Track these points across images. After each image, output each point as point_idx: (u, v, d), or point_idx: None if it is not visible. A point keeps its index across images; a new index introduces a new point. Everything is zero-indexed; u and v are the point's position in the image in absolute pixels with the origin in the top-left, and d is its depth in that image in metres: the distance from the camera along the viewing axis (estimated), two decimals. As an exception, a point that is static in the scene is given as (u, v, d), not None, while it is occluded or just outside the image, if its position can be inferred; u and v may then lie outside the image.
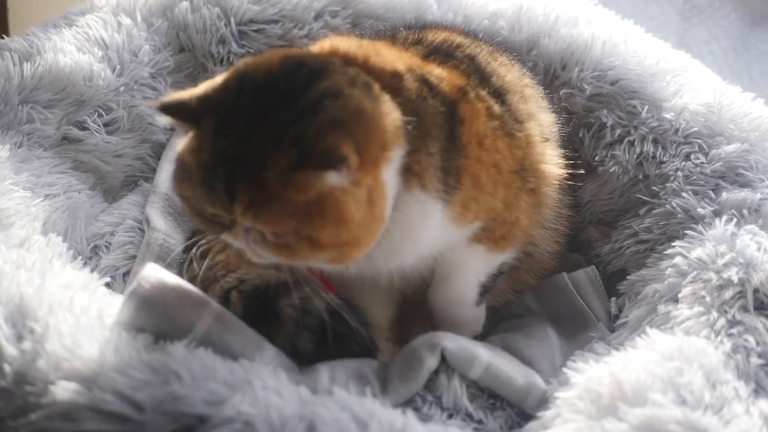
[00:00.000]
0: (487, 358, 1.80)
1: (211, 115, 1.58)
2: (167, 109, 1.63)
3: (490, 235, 1.89)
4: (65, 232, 2.11)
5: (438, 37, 2.02)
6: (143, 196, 2.39)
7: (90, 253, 2.18)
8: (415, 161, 1.68)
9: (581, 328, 2.07)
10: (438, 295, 2.00)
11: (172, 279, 1.70)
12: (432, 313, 2.04)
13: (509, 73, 2.03)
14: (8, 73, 2.25)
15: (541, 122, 2.01)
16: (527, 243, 2.02)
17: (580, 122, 2.33)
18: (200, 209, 1.61)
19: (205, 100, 1.61)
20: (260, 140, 1.52)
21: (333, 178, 1.51)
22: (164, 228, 2.20)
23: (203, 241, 1.88)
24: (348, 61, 1.71)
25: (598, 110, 2.34)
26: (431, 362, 1.77)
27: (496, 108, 1.83)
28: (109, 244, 2.23)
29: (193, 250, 1.95)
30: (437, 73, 1.80)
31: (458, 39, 2.03)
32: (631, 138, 2.26)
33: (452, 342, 1.80)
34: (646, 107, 2.27)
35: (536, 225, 1.99)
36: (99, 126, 2.39)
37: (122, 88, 2.45)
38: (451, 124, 1.73)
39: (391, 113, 1.63)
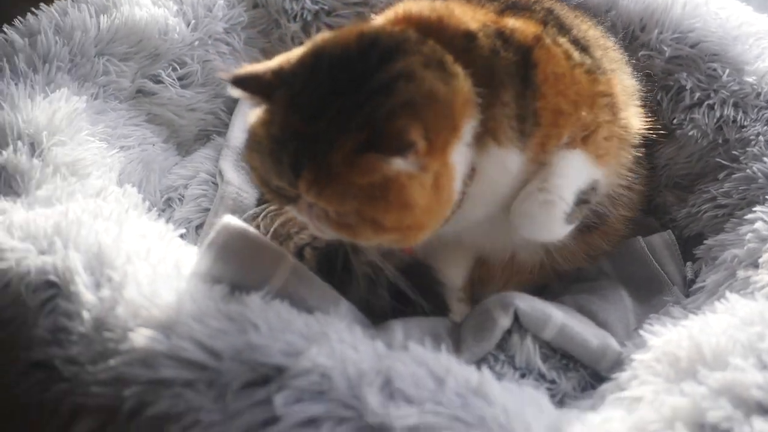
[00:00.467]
0: (561, 319, 1.78)
1: (284, 90, 1.57)
2: (240, 82, 1.62)
3: (588, 141, 1.81)
4: (139, 183, 2.13)
5: None
6: (216, 150, 2.40)
7: (163, 206, 2.20)
8: (489, 117, 1.66)
9: (656, 292, 2.04)
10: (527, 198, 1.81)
11: (249, 231, 1.71)
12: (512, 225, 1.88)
13: (591, 30, 1.99)
14: (85, 25, 2.26)
15: (624, 83, 1.96)
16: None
17: (658, 85, 2.29)
18: (267, 180, 1.62)
19: (279, 74, 1.60)
20: (330, 120, 1.51)
21: (399, 164, 1.50)
22: (238, 182, 2.21)
23: None
24: (421, 26, 1.69)
25: (677, 73, 2.29)
26: (504, 321, 1.76)
27: (576, 54, 1.79)
28: (182, 196, 2.25)
29: (267, 205, 1.96)
30: (511, 24, 1.77)
31: None
32: (710, 101, 2.22)
33: (525, 302, 1.79)
34: (727, 70, 2.22)
35: (620, 166, 1.93)
36: (173, 80, 2.41)
37: (196, 43, 2.46)
38: (525, 70, 1.71)
39: (463, 88, 1.61)
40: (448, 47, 1.66)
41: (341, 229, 1.59)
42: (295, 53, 1.65)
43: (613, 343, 1.80)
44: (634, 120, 1.94)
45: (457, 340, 1.77)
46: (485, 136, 1.67)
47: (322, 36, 1.67)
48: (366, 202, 1.52)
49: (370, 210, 1.53)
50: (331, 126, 1.51)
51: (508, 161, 1.72)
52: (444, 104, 1.57)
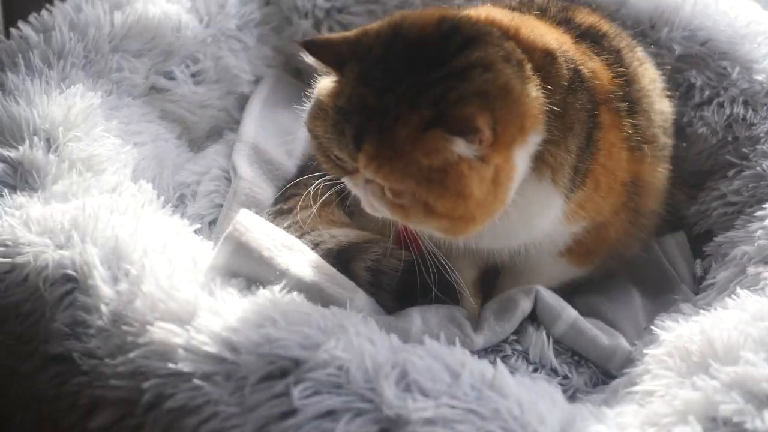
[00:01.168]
0: (574, 313, 1.82)
1: (357, 62, 1.59)
2: (313, 47, 1.63)
3: (578, 248, 1.91)
4: (153, 179, 2.13)
5: (586, 20, 1.98)
6: (228, 146, 2.41)
7: (177, 201, 2.21)
8: (551, 153, 1.67)
9: (666, 290, 2.06)
10: (506, 284, 1.98)
11: (267, 225, 1.73)
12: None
13: (645, 75, 2.00)
14: (99, 22, 2.27)
15: (659, 144, 1.99)
16: (612, 254, 2.02)
17: (668, 83, 2.29)
18: (328, 150, 1.63)
19: (354, 45, 1.61)
20: (400, 96, 1.52)
21: (462, 148, 1.51)
22: (251, 177, 2.22)
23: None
24: (503, 31, 1.69)
25: (686, 71, 2.31)
26: (526, 304, 1.81)
27: (628, 124, 1.82)
28: (195, 192, 2.26)
29: (279, 205, 1.99)
30: (591, 66, 1.78)
31: (604, 27, 1.99)
32: (720, 99, 2.23)
33: (546, 291, 1.84)
34: (737, 69, 2.24)
35: (627, 239, 2.01)
36: (186, 76, 2.42)
37: (209, 40, 2.47)
38: (591, 125, 1.73)
39: (537, 97, 1.62)
40: (527, 57, 1.67)
41: (394, 209, 1.60)
42: (373, 27, 1.66)
43: (624, 342, 1.83)
44: (659, 180, 1.99)
45: (476, 324, 1.79)
46: (543, 165, 1.68)
47: (402, 13, 1.67)
48: (423, 183, 1.52)
49: (426, 193, 1.53)
50: (401, 102, 1.52)
51: (553, 200, 1.74)
52: (516, 101, 1.58)
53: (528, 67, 1.64)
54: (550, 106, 1.63)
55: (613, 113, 1.79)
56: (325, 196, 1.81)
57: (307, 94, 1.75)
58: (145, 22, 2.34)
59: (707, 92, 2.26)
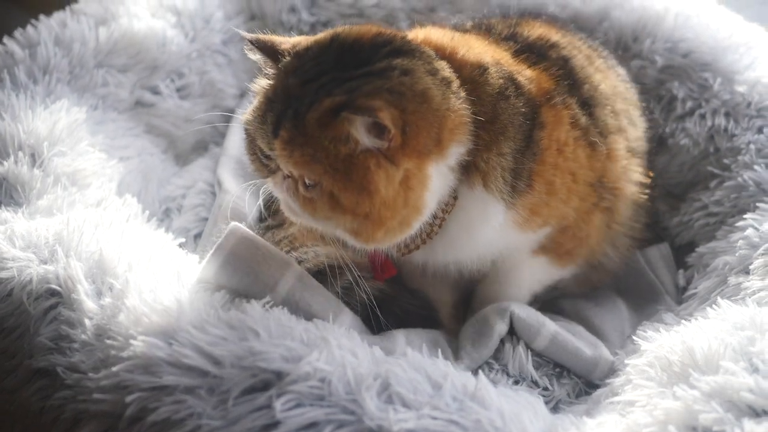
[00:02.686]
0: (554, 327, 1.82)
1: (292, 58, 1.64)
2: (257, 42, 1.70)
3: (557, 248, 1.90)
4: (139, 193, 2.14)
5: (533, 33, 1.99)
6: (213, 159, 2.42)
7: (162, 215, 2.22)
8: (483, 158, 1.68)
9: (651, 301, 2.08)
10: (487, 295, 1.97)
11: (256, 238, 1.74)
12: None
13: (604, 81, 1.99)
14: (84, 37, 2.29)
15: (629, 136, 1.99)
16: (594, 260, 2.02)
17: (650, 95, 2.32)
18: (255, 146, 1.67)
19: (295, 45, 1.67)
20: (321, 86, 1.56)
21: (364, 137, 1.53)
22: (236, 190, 2.23)
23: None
24: (437, 51, 1.72)
25: (669, 82, 2.33)
26: (501, 327, 1.80)
27: (582, 119, 1.82)
28: (181, 206, 2.26)
29: (267, 223, 1.99)
30: (526, 73, 1.80)
31: (554, 37, 2.00)
32: (702, 111, 2.25)
33: (521, 309, 1.83)
34: (719, 80, 2.26)
35: (606, 243, 2.00)
36: (171, 91, 2.43)
37: (194, 54, 2.48)
38: (530, 126, 1.73)
39: (459, 110, 1.64)
40: (457, 73, 1.69)
41: (305, 205, 1.62)
42: (315, 36, 1.71)
43: (606, 352, 1.84)
44: (632, 187, 1.98)
45: (456, 349, 1.79)
46: (474, 173, 1.69)
47: (343, 27, 1.71)
48: (330, 172, 1.55)
49: (332, 182, 1.55)
50: (320, 90, 1.56)
51: (490, 209, 1.73)
52: (433, 111, 1.60)
53: (455, 84, 1.66)
54: (477, 116, 1.64)
55: (558, 111, 1.78)
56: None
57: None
58: (131, 38, 2.35)
59: (689, 104, 2.27)
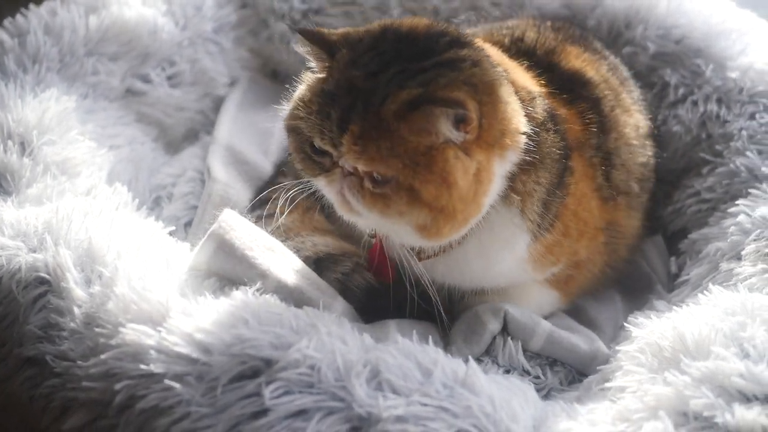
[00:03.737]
0: (548, 325, 1.82)
1: (347, 50, 1.60)
2: (308, 34, 1.64)
3: (564, 281, 1.91)
4: (129, 182, 2.13)
5: (571, 64, 1.98)
6: (204, 148, 2.41)
7: (152, 204, 2.21)
8: (522, 181, 1.67)
9: (644, 291, 2.08)
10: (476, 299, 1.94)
11: (250, 225, 1.74)
12: None
13: (628, 123, 2.00)
14: (74, 25, 2.27)
15: (632, 197, 2.00)
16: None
17: (643, 82, 2.31)
18: (307, 142, 1.61)
19: (345, 36, 1.64)
20: (390, 78, 1.53)
21: (448, 129, 1.51)
22: (225, 178, 2.22)
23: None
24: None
25: (661, 69, 2.32)
26: (494, 325, 1.79)
27: (601, 177, 1.85)
28: (171, 194, 2.26)
29: (259, 211, 1.99)
30: (563, 112, 1.80)
31: (590, 73, 1.99)
32: (694, 97, 2.25)
33: (515, 308, 1.82)
34: (711, 66, 2.25)
35: (607, 266, 2.01)
36: (162, 79, 2.42)
37: (186, 42, 2.47)
38: (563, 167, 1.74)
39: (519, 114, 1.63)
40: None
41: (374, 201, 1.57)
42: (360, 27, 1.68)
43: (602, 346, 1.83)
44: (634, 223, 2.02)
45: (447, 344, 1.78)
46: (513, 193, 1.67)
47: (389, 19, 1.71)
48: (409, 165, 1.51)
49: (411, 175, 1.52)
50: (391, 82, 1.53)
51: (518, 237, 1.73)
52: (501, 103, 1.59)
53: (511, 87, 1.66)
54: (529, 136, 1.63)
55: (586, 162, 1.81)
56: (297, 201, 1.79)
57: (285, 95, 1.75)
58: (121, 26, 2.34)
59: (681, 90, 2.27)
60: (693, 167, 2.21)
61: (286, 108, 1.70)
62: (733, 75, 2.21)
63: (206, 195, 2.18)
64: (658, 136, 2.20)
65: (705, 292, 1.75)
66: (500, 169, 1.62)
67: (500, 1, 2.54)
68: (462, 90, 1.52)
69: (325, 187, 1.65)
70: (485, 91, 1.56)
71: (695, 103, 2.24)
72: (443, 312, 1.75)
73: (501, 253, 1.75)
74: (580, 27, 2.31)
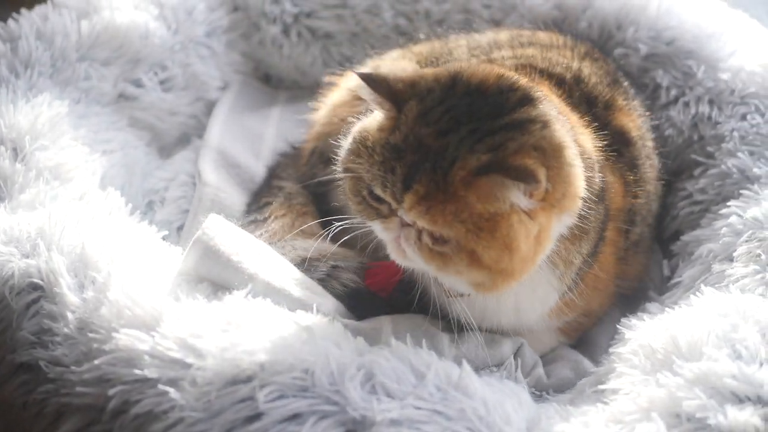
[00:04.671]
0: (541, 371, 1.82)
1: (417, 101, 1.56)
2: (373, 83, 1.59)
3: (573, 326, 1.92)
4: (122, 187, 2.12)
5: (618, 121, 1.95)
6: (195, 152, 2.41)
7: (145, 208, 2.21)
8: (567, 248, 1.66)
9: (639, 296, 2.07)
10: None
11: (236, 229, 1.73)
12: None
13: (651, 178, 2.00)
14: (66, 30, 2.27)
15: (640, 244, 2.02)
16: None
17: (635, 83, 2.31)
18: (366, 188, 1.58)
19: (412, 85, 1.59)
20: (460, 139, 1.50)
21: (517, 197, 1.48)
22: (216, 182, 2.23)
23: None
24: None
25: (653, 71, 2.32)
26: (507, 351, 1.78)
27: (623, 242, 1.86)
28: (164, 199, 2.26)
29: (254, 216, 1.99)
30: (611, 180, 1.79)
31: (633, 132, 1.96)
32: (686, 99, 2.25)
33: (527, 347, 1.82)
34: (703, 68, 2.25)
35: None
36: (154, 84, 2.42)
37: (177, 47, 2.47)
38: (601, 237, 1.75)
39: (580, 178, 1.60)
40: None
41: (432, 257, 1.55)
42: (428, 71, 1.64)
43: (588, 367, 1.83)
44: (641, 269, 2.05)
45: (452, 339, 1.75)
46: (557, 257, 1.66)
47: (459, 64, 1.67)
48: (473, 230, 1.49)
49: (474, 240, 1.49)
50: (461, 145, 1.49)
51: (551, 293, 1.73)
52: (567, 165, 1.56)
53: (577, 147, 1.63)
54: (585, 203, 1.62)
55: (617, 232, 1.82)
56: (291, 205, 1.79)
57: (276, 99, 1.75)
58: (113, 31, 2.33)
59: (673, 92, 2.27)
60: (685, 169, 2.21)
61: (344, 146, 1.65)
62: (725, 76, 2.22)
63: (197, 199, 2.19)
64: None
65: (697, 293, 1.76)
66: (557, 230, 1.61)
67: (491, 3, 2.55)
68: (532, 157, 1.49)
69: (381, 232, 1.62)
70: (553, 155, 1.54)
71: (687, 105, 2.24)
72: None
73: (532, 305, 1.76)
74: (598, 49, 2.28)
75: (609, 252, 1.81)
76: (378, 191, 1.55)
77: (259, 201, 2.11)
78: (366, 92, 1.60)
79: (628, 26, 2.38)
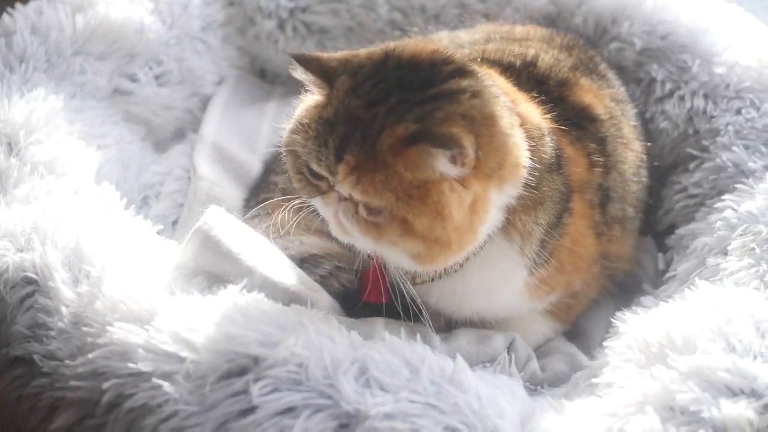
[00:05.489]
0: (535, 365, 1.83)
1: (347, 77, 1.57)
2: (303, 61, 1.62)
3: (563, 309, 1.92)
4: (117, 181, 2.13)
5: (582, 99, 1.95)
6: (191, 146, 2.42)
7: (140, 203, 2.21)
8: (522, 220, 1.66)
9: (633, 290, 2.08)
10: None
11: (236, 222, 1.74)
12: None
13: (627, 159, 1.98)
14: (61, 25, 2.27)
15: (626, 222, 2.00)
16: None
17: (630, 77, 2.32)
18: (305, 165, 1.59)
19: (344, 62, 1.61)
20: (389, 109, 1.51)
21: (444, 165, 1.49)
22: (210, 176, 2.23)
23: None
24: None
25: (648, 65, 2.33)
26: (499, 346, 1.79)
27: (598, 215, 1.85)
28: (159, 193, 2.26)
29: (254, 211, 1.99)
30: (570, 153, 1.79)
31: (599, 109, 1.96)
32: (681, 93, 2.25)
33: (521, 341, 1.83)
34: (698, 62, 2.26)
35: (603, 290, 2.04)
36: (150, 78, 2.42)
37: (172, 41, 2.47)
38: (563, 208, 1.74)
39: (521, 147, 1.61)
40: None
41: (367, 229, 1.55)
42: (361, 50, 1.65)
43: (583, 360, 1.85)
44: (628, 249, 2.03)
45: (445, 338, 1.77)
46: (513, 230, 1.67)
47: (394, 43, 1.67)
48: (403, 198, 1.49)
49: (405, 208, 1.50)
50: (389, 114, 1.50)
51: (517, 270, 1.73)
52: (500, 135, 1.57)
53: (517, 119, 1.64)
54: (530, 173, 1.62)
55: (586, 204, 1.81)
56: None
57: (272, 94, 1.75)
58: (108, 25, 2.33)
59: (668, 86, 2.27)
60: (680, 163, 2.22)
61: (285, 127, 1.67)
62: (720, 70, 2.22)
63: (192, 193, 2.19)
64: (647, 132, 2.21)
65: (692, 287, 1.75)
66: (498, 200, 1.61)
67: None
68: (458, 125, 1.50)
69: (321, 208, 1.64)
70: (484, 123, 1.54)
71: (682, 99, 2.25)
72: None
73: (498, 283, 1.76)
74: (589, 44, 2.30)
75: (582, 225, 1.80)
76: (314, 166, 1.56)
77: (257, 196, 2.10)
78: (299, 72, 1.63)
79: (623, 21, 2.39)
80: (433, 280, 1.72)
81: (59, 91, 2.16)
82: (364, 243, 1.60)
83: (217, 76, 2.61)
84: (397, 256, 1.60)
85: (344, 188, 1.53)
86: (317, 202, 1.64)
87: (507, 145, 1.57)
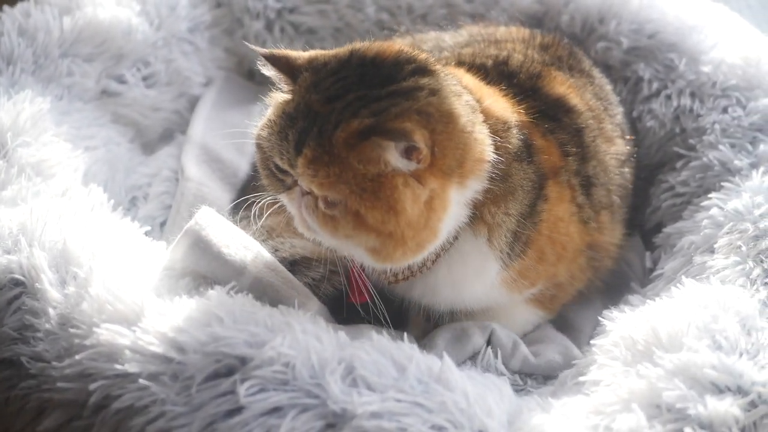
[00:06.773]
0: (526, 351, 1.83)
1: (311, 73, 1.61)
2: (271, 58, 1.65)
3: (548, 299, 1.92)
4: (105, 183, 2.13)
5: (555, 90, 1.95)
6: (179, 147, 2.41)
7: (128, 204, 2.21)
8: (490, 212, 1.67)
9: (621, 288, 2.08)
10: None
11: (227, 223, 1.74)
12: None
13: (608, 153, 1.98)
14: (48, 27, 2.27)
15: (615, 209, 2.00)
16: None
17: (617, 76, 2.33)
18: (269, 160, 1.63)
19: (310, 60, 1.64)
20: (346, 105, 1.53)
21: (396, 159, 1.51)
22: (198, 177, 2.23)
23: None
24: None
25: (635, 64, 2.33)
26: (479, 340, 1.80)
27: (580, 198, 1.84)
28: (147, 194, 2.26)
29: (243, 212, 1.99)
30: (541, 143, 1.79)
31: (573, 101, 1.96)
32: (668, 92, 2.26)
33: (501, 329, 1.84)
34: (684, 60, 2.26)
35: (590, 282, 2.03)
36: (137, 80, 2.42)
37: (160, 42, 2.47)
38: (536, 196, 1.74)
39: (483, 143, 1.62)
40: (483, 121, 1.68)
41: (325, 222, 1.58)
42: (329, 50, 1.68)
43: (577, 353, 1.85)
44: (615, 240, 2.01)
45: (425, 346, 1.77)
46: (480, 223, 1.68)
47: (360, 42, 1.69)
48: (356, 191, 1.52)
49: (358, 201, 1.52)
50: (346, 109, 1.53)
51: (488, 264, 1.73)
52: (459, 133, 1.58)
53: (480, 116, 1.65)
54: (495, 161, 1.63)
55: (562, 187, 1.80)
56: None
57: (260, 95, 1.76)
58: (95, 26, 2.33)
59: (655, 84, 2.28)
60: (667, 162, 2.23)
61: (258, 124, 1.69)
62: (706, 69, 2.23)
63: (180, 194, 2.19)
64: (634, 131, 2.21)
65: (678, 285, 1.76)
66: (459, 197, 1.62)
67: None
68: (412, 120, 1.52)
69: (287, 204, 1.67)
70: (441, 120, 1.56)
71: (669, 97, 2.25)
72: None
73: (470, 278, 1.76)
74: (572, 41, 2.30)
75: (561, 210, 1.80)
76: (277, 161, 1.60)
77: (247, 199, 2.10)
78: (267, 69, 1.67)
79: (611, 19, 2.39)
80: (408, 278, 1.74)
81: (47, 93, 2.16)
82: (323, 237, 1.63)
83: (205, 78, 2.61)
84: (354, 251, 1.63)
85: (304, 182, 1.57)
86: (284, 198, 1.67)
87: (467, 142, 1.59)
